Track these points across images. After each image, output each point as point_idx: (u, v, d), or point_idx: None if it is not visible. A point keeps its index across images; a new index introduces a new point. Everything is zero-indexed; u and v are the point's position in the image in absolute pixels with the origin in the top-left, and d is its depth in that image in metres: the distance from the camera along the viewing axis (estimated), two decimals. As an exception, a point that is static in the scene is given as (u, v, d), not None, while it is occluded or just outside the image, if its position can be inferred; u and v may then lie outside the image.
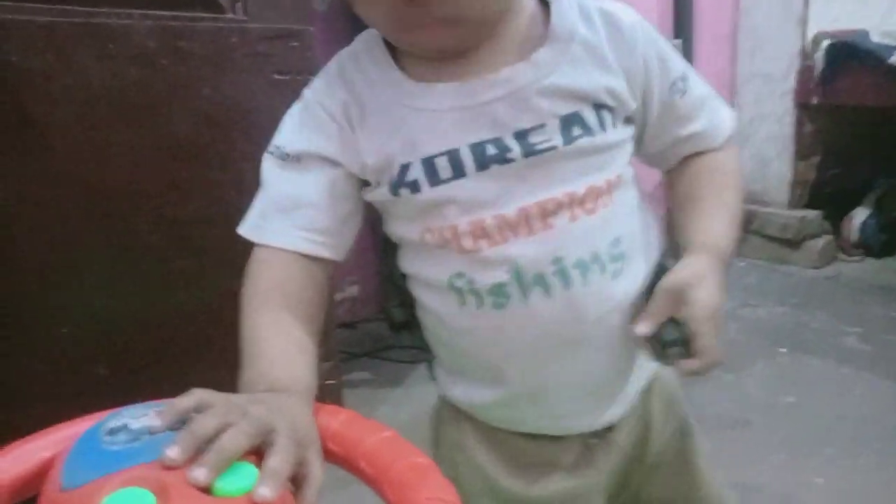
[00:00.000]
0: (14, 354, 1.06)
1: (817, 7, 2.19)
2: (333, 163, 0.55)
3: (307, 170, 0.55)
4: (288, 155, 0.55)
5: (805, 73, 2.21)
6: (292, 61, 1.21)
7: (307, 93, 0.57)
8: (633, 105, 0.57)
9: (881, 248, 2.37)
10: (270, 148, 0.57)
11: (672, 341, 0.53)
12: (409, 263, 0.59)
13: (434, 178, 0.53)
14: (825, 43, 2.12)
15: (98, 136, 1.10)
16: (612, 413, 0.62)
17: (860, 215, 2.38)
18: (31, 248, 1.07)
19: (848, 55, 2.07)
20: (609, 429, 0.62)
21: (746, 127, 2.47)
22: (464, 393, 0.62)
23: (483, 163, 0.53)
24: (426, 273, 0.58)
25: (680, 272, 0.54)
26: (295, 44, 1.24)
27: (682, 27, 1.75)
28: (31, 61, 1.02)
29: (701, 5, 2.38)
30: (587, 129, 0.54)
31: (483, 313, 0.55)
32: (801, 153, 2.32)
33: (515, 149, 0.53)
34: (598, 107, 0.55)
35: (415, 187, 0.54)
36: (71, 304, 1.10)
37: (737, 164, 0.63)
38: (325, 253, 0.56)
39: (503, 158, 0.53)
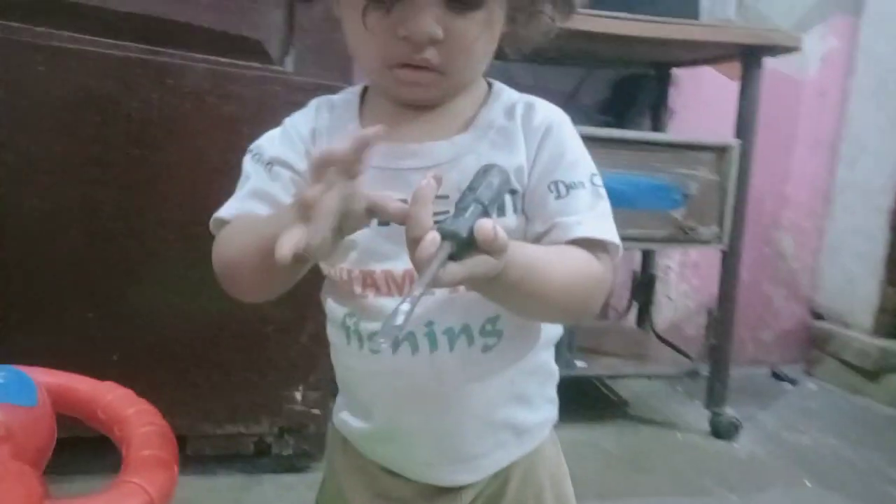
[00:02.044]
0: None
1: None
2: (297, 172, 0.61)
3: (278, 175, 0.61)
4: (263, 157, 0.62)
5: (903, 191, 2.06)
6: (325, 112, 1.34)
7: (287, 120, 0.66)
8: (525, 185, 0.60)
9: (979, 396, 2.10)
10: (252, 149, 0.64)
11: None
12: (324, 292, 0.67)
13: None
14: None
15: (151, 155, 1.28)
16: (462, 477, 0.64)
17: (958, 356, 2.13)
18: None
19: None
20: (460, 487, 0.65)
21: (838, 240, 2.31)
22: (343, 419, 0.69)
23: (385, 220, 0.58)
24: (331, 305, 0.65)
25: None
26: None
27: (742, 128, 1.71)
28: (102, 87, 1.23)
29: (802, 107, 2.31)
30: (510, 183, 0.56)
31: (362, 355, 0.62)
32: (892, 278, 2.13)
33: None
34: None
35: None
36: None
37: (592, 268, 0.58)
38: None
39: None
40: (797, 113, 2.31)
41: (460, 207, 0.47)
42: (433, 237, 0.44)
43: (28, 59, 1.17)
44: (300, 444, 1.42)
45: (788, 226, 2.37)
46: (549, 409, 0.69)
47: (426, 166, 0.58)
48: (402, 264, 0.57)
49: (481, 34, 0.58)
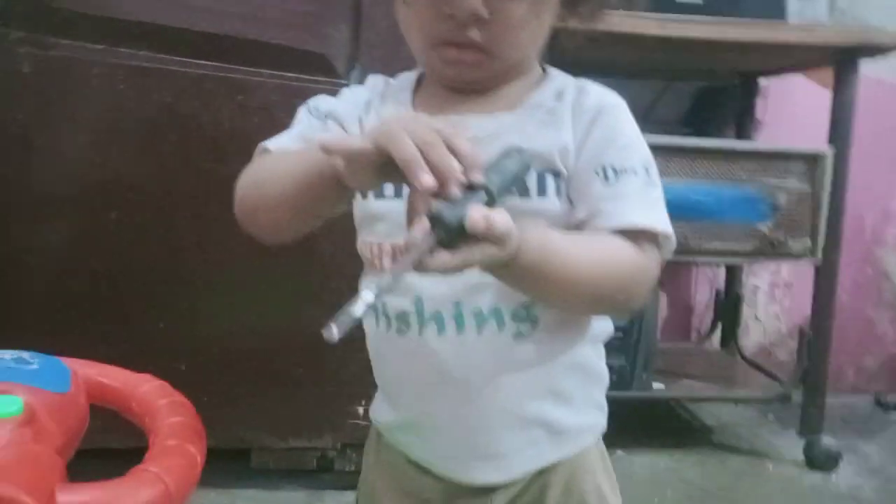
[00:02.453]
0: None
1: None
2: (349, 131, 0.62)
3: (326, 129, 0.62)
4: (319, 111, 0.64)
5: None
6: (389, 123, 1.36)
7: (343, 90, 0.68)
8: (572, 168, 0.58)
9: None
10: (307, 103, 0.65)
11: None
12: (361, 279, 0.66)
13: (378, 192, 0.59)
14: None
15: (222, 169, 1.32)
16: (489, 476, 0.61)
17: None
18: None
19: None
20: (488, 487, 0.61)
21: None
22: (376, 409, 0.68)
23: None
24: (360, 287, 0.63)
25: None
26: (395, 109, 1.39)
27: (836, 135, 1.59)
28: (178, 105, 1.27)
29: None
30: (524, 191, 0.56)
31: (389, 336, 0.60)
32: None
33: None
34: (546, 172, 0.57)
35: (363, 194, 0.60)
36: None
37: (629, 256, 0.54)
38: None
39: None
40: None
41: (465, 193, 0.44)
42: (423, 224, 0.43)
43: (110, 79, 1.23)
44: (362, 460, 1.40)
45: (893, 243, 2.18)
46: (594, 414, 0.64)
47: (469, 139, 0.55)
48: None
49: (528, 16, 0.56)
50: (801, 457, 1.65)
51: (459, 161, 0.44)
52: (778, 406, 1.83)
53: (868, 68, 1.61)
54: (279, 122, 1.27)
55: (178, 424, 0.50)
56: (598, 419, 0.65)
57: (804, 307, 1.78)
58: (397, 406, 0.64)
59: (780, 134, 2.04)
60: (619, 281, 0.54)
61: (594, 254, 0.53)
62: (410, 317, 0.58)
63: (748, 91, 2.00)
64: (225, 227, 1.28)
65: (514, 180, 0.47)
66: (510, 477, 0.61)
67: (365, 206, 0.61)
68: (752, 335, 2.11)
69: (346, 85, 1.34)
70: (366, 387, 1.36)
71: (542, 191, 0.56)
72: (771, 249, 1.55)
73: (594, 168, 0.56)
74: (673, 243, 0.56)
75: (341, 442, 1.38)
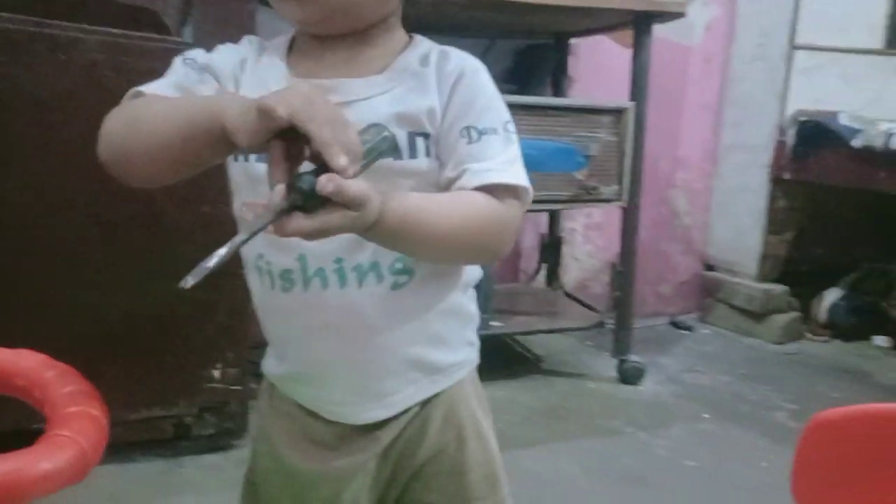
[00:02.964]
0: None
1: (801, 85, 2.23)
2: (222, 84, 0.62)
3: (206, 81, 0.62)
4: (196, 63, 0.62)
5: (780, 148, 2.23)
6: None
7: (219, 46, 0.66)
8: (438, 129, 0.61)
9: (850, 330, 2.33)
10: (184, 54, 0.64)
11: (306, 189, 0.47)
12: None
13: (260, 155, 0.58)
14: (799, 120, 2.15)
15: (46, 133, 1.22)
16: (375, 413, 0.66)
17: (831, 296, 2.35)
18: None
19: (818, 134, 2.09)
20: (376, 425, 0.66)
21: (726, 197, 2.49)
22: (267, 363, 0.70)
23: None
24: (242, 251, 0.64)
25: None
26: (233, 69, 1.36)
27: (636, 92, 1.81)
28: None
29: (689, 73, 2.45)
30: (396, 153, 0.59)
31: (274, 294, 0.63)
32: (773, 227, 2.32)
33: None
34: (415, 134, 0.60)
35: (245, 157, 0.61)
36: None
37: (492, 210, 0.59)
38: None
39: None
40: (686, 79, 2.45)
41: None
42: (279, 188, 0.46)
43: None
44: (222, 422, 1.41)
45: (682, 185, 2.52)
46: (467, 351, 0.70)
47: (341, 101, 0.58)
48: None
49: None
50: (614, 374, 1.91)
51: None
52: (594, 333, 2.09)
53: (657, 30, 1.83)
54: (106, 80, 1.23)
55: (74, 392, 0.51)
56: (469, 355, 0.70)
57: (613, 245, 2.03)
58: (286, 359, 0.67)
59: (589, 88, 2.26)
60: (483, 234, 0.59)
61: (458, 211, 0.58)
62: (294, 273, 0.61)
63: (562, 50, 2.18)
64: (58, 196, 1.22)
65: (372, 152, 0.50)
66: (393, 412, 0.66)
67: (246, 167, 0.62)
68: (572, 272, 2.35)
69: (179, 41, 1.30)
70: (221, 350, 1.39)
71: (412, 152, 0.60)
72: (587, 195, 1.75)
73: (458, 129, 0.60)
74: (530, 195, 0.61)
75: (198, 407, 1.38)
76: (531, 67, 2.23)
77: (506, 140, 0.61)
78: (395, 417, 0.66)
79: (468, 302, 0.70)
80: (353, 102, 0.60)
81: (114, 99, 1.27)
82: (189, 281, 0.44)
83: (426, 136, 0.61)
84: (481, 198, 0.59)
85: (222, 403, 1.41)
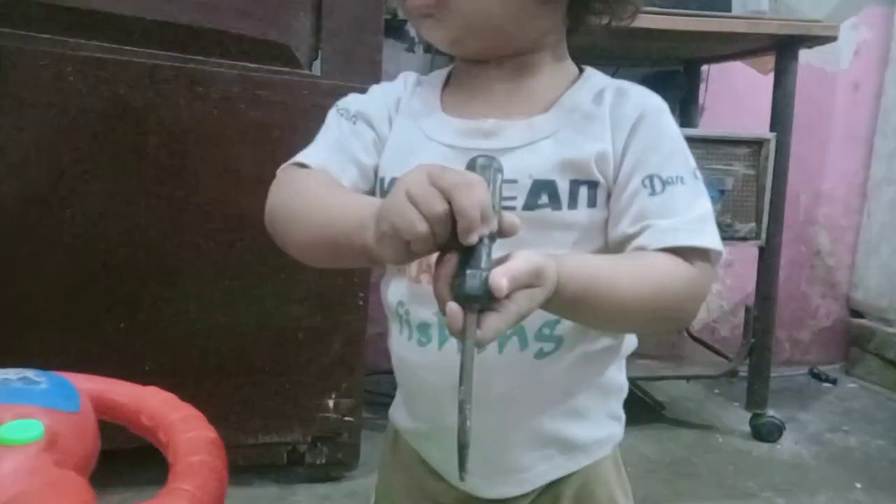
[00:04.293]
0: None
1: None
2: (379, 134, 0.61)
3: (361, 133, 0.60)
4: (349, 112, 0.62)
5: (943, 184, 2.00)
6: (354, 114, 1.34)
7: (373, 87, 0.65)
8: (612, 181, 0.56)
9: None
10: (338, 104, 0.63)
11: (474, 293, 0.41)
12: (382, 284, 0.64)
13: None
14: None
15: (182, 163, 1.28)
16: (504, 490, 0.61)
17: None
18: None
19: None
20: (505, 500, 0.61)
21: (875, 235, 2.25)
22: (396, 411, 0.67)
23: None
24: (385, 294, 0.63)
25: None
26: (360, 100, 1.37)
27: (777, 121, 1.67)
28: (133, 97, 1.22)
29: (835, 101, 2.25)
30: (554, 201, 0.54)
31: (410, 346, 0.59)
32: (934, 272, 2.07)
33: None
34: (579, 182, 0.55)
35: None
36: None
37: (680, 276, 0.52)
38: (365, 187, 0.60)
39: None
40: (831, 107, 2.26)
41: (467, 255, 0.42)
42: (453, 311, 0.41)
43: (60, 70, 1.17)
44: (334, 452, 1.41)
45: (825, 222, 2.31)
46: (611, 426, 0.63)
47: (498, 148, 0.54)
48: None
49: None
50: (747, 429, 1.74)
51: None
52: (724, 383, 1.93)
53: (800, 55, 1.68)
54: (240, 113, 1.26)
55: (197, 439, 0.49)
56: (615, 430, 0.63)
57: (746, 285, 1.87)
58: (415, 414, 0.64)
59: (722, 118, 2.12)
60: (669, 302, 0.52)
61: (641, 276, 0.51)
62: (432, 329, 0.57)
63: (692, 77, 2.07)
64: (188, 221, 1.27)
65: (500, 194, 0.45)
66: (524, 491, 0.61)
67: None
68: (698, 314, 2.20)
69: (309, 74, 1.32)
70: (336, 380, 1.38)
71: (573, 202, 0.54)
72: (721, 233, 1.61)
73: (640, 178, 0.54)
74: (722, 255, 0.55)
75: (312, 435, 1.38)
76: (659, 95, 2.13)
77: (694, 190, 0.54)
78: (523, 495, 0.60)
79: (618, 372, 0.62)
80: (515, 148, 0.55)
81: (245, 128, 1.32)
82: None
83: (592, 184, 0.54)
84: (670, 262, 0.52)
85: (335, 433, 1.40)
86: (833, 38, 1.64)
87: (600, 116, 0.56)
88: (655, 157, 0.54)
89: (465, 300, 0.41)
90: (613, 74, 0.62)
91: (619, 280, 0.50)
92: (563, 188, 0.54)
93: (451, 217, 0.41)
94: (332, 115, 0.63)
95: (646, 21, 1.46)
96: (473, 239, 0.41)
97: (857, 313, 2.31)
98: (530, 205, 0.54)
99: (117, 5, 1.19)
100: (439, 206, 0.41)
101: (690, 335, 2.05)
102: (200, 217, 1.28)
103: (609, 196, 0.56)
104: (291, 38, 1.29)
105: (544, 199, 0.54)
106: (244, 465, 1.36)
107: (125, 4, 1.19)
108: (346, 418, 1.39)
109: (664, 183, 0.53)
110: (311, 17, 1.32)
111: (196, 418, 0.53)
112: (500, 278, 0.41)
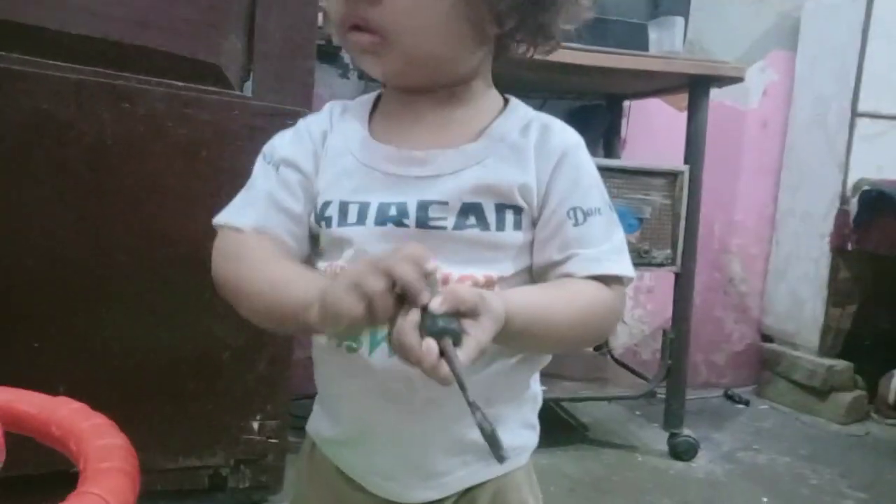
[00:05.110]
0: None
1: (863, 152, 2.16)
2: (304, 173, 0.62)
3: (286, 180, 0.62)
4: (273, 159, 0.63)
5: (841, 217, 2.15)
6: (283, 136, 1.35)
7: (300, 121, 0.66)
8: (535, 210, 0.60)
9: (922, 413, 2.18)
10: (264, 150, 0.65)
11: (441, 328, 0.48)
12: None
13: (342, 220, 0.60)
14: (862, 189, 2.08)
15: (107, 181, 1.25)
16: (422, 494, 0.63)
17: (900, 374, 2.21)
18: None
19: (881, 203, 2.01)
20: None
21: (782, 263, 2.40)
22: (314, 422, 0.68)
23: (382, 220, 0.58)
24: None
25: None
26: (290, 122, 1.37)
27: (691, 154, 1.77)
28: (56, 111, 1.20)
29: (746, 137, 2.40)
30: (482, 223, 0.58)
31: (338, 353, 0.60)
32: (835, 299, 2.21)
33: (412, 216, 0.58)
34: (504, 206, 0.59)
35: (328, 223, 0.60)
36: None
37: (603, 300, 0.59)
38: (293, 242, 0.63)
39: (398, 221, 0.58)
40: (742, 143, 2.41)
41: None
42: (429, 347, 0.46)
43: (-25, 81, 1.14)
44: (257, 476, 1.38)
45: (737, 251, 2.45)
46: (526, 435, 0.66)
47: (430, 175, 0.58)
48: None
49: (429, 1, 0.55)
50: (665, 448, 1.81)
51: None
52: (643, 402, 2.00)
53: (712, 93, 1.80)
54: (167, 130, 1.26)
55: (108, 447, 0.49)
56: (529, 439, 0.66)
57: (665, 310, 1.96)
58: (339, 421, 0.64)
59: (642, 150, 2.23)
60: (595, 324, 0.60)
61: (573, 303, 0.58)
62: (362, 337, 0.59)
63: (614, 111, 2.17)
64: (109, 237, 1.24)
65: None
66: (442, 495, 0.63)
67: (330, 233, 0.61)
68: (620, 337, 2.28)
69: (239, 95, 1.33)
70: (261, 401, 1.36)
71: (500, 224, 0.58)
72: (638, 259, 1.70)
73: (565, 210, 0.59)
74: (633, 279, 0.63)
75: (235, 458, 1.35)
76: (583, 128, 2.18)
77: (609, 221, 0.61)
78: (440, 500, 0.62)
79: (533, 383, 0.66)
80: (445, 176, 0.58)
81: (172, 146, 1.31)
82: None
83: (517, 209, 0.59)
84: (594, 288, 0.59)
85: (260, 455, 1.37)
86: (740, 79, 1.76)
87: (525, 149, 0.60)
88: (578, 191, 0.60)
89: (441, 333, 0.47)
90: (541, 107, 0.67)
91: (557, 309, 0.57)
92: (490, 210, 0.58)
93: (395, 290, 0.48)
94: (259, 164, 0.64)
95: (568, 56, 1.54)
96: (424, 300, 0.47)
97: (767, 337, 2.45)
98: (459, 225, 0.58)
99: (42, 19, 1.17)
100: (379, 285, 0.47)
101: (613, 358, 2.12)
102: (123, 234, 1.25)
103: (533, 222, 0.61)
104: (222, 59, 1.29)
105: (472, 220, 0.58)
106: (163, 491, 1.32)
107: (50, 18, 1.17)
108: (272, 440, 1.37)
109: (585, 214, 0.59)
110: (243, 38, 1.33)
111: (108, 426, 0.53)
112: (444, 302, 0.47)
